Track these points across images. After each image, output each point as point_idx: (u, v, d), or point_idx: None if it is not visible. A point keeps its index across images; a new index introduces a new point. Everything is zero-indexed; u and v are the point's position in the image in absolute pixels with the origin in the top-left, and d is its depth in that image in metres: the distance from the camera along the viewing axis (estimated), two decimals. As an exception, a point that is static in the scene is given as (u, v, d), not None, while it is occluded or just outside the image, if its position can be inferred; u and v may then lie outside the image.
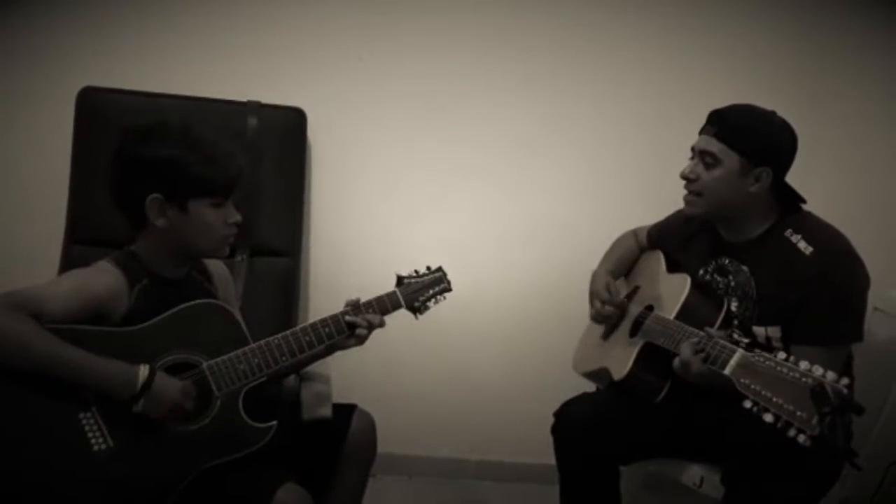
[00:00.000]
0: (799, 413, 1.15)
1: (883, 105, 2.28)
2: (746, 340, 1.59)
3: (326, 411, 1.62)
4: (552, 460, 1.80)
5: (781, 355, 1.25)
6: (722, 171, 1.57)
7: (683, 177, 1.64)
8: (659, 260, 1.85)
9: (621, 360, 1.68)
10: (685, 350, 1.46)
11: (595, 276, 1.90)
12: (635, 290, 1.87)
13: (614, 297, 1.80)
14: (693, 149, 1.64)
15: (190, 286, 1.50)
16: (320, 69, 2.22)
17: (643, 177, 2.31)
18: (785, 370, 1.21)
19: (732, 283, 1.64)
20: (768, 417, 1.19)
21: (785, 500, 1.51)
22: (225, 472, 1.38)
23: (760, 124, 1.58)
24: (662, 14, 2.26)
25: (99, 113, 2.01)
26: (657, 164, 2.24)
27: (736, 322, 1.63)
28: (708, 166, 1.59)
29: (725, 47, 2.27)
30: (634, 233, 1.98)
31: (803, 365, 1.20)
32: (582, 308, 1.92)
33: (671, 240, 1.84)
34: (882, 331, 1.84)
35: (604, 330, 1.87)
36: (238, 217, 1.45)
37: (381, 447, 1.68)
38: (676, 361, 1.48)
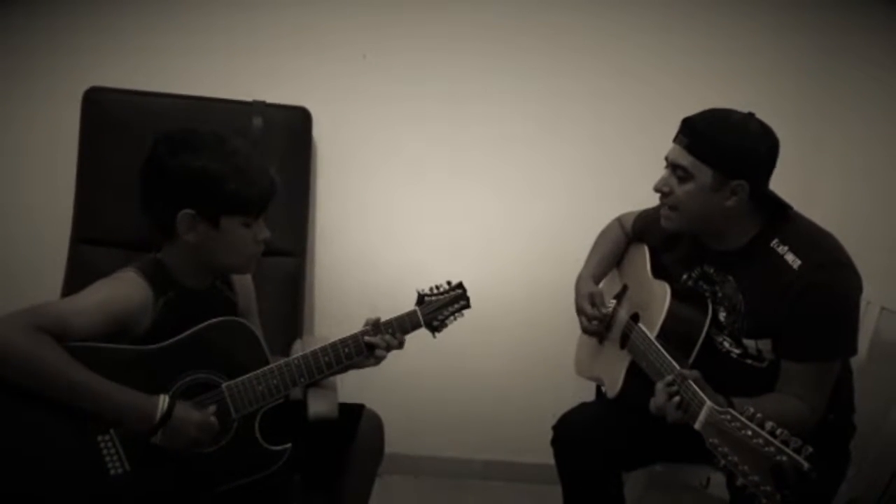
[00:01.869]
0: (763, 487, 1.12)
1: (883, 105, 2.27)
2: (738, 351, 1.58)
3: (333, 411, 1.62)
4: (558, 460, 1.80)
5: (750, 410, 1.19)
6: (694, 185, 1.49)
7: (657, 190, 1.57)
8: (644, 258, 1.78)
9: (613, 375, 1.66)
10: (659, 396, 1.38)
11: (579, 283, 1.85)
12: (624, 289, 1.83)
13: (599, 309, 1.76)
14: (666, 159, 1.56)
15: (214, 298, 1.48)
16: (325, 68, 2.22)
17: (649, 178, 2.29)
18: (749, 434, 1.16)
19: (720, 294, 1.59)
20: (739, 482, 1.17)
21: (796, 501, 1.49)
22: (237, 497, 1.38)
23: (734, 135, 1.47)
24: (662, 14, 2.24)
25: (105, 113, 2.01)
26: (661, 163, 2.25)
27: (726, 331, 1.58)
28: (681, 180, 1.51)
29: (725, 48, 2.26)
30: (620, 221, 1.93)
31: (768, 426, 1.15)
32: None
33: (654, 236, 1.78)
34: (890, 331, 1.83)
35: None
36: (267, 234, 1.43)
37: (388, 447, 1.68)
38: (652, 405, 1.40)
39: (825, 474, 1.54)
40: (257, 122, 2.07)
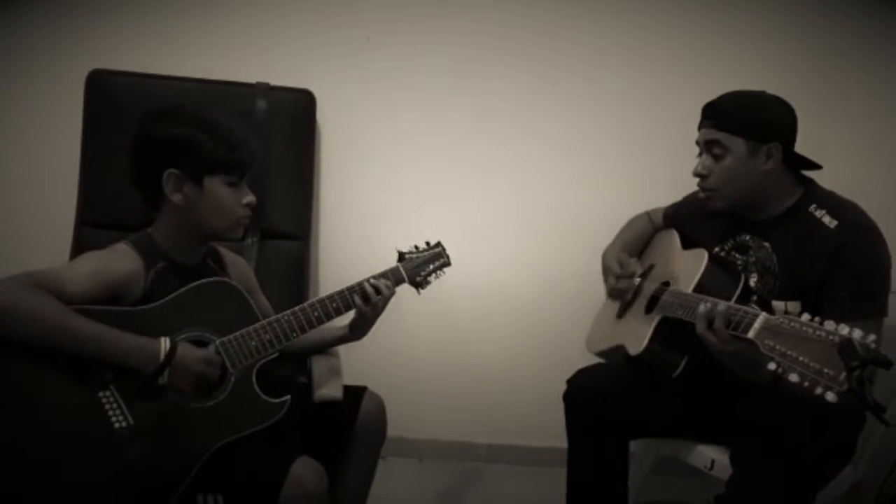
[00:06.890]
0: (826, 370, 1.14)
1: (887, 103, 2.28)
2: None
3: (337, 392, 1.63)
4: (561, 443, 1.81)
5: (806, 316, 1.23)
6: (732, 158, 1.57)
7: (697, 174, 1.63)
8: (673, 237, 1.84)
9: (638, 335, 1.67)
10: (708, 308, 1.43)
11: (606, 252, 1.90)
12: (650, 268, 1.85)
13: (626, 270, 1.80)
14: (697, 143, 1.64)
15: (204, 272, 1.50)
16: (329, 51, 2.21)
17: (649, 169, 2.30)
18: (810, 330, 1.19)
19: (752, 259, 1.64)
20: (794, 377, 1.18)
21: (792, 482, 1.50)
22: (241, 448, 1.40)
23: (754, 103, 1.59)
24: (669, 12, 2.25)
25: (108, 95, 2.01)
26: (664, 157, 2.26)
27: (755, 297, 1.61)
28: (717, 157, 1.59)
29: (732, 45, 2.26)
30: (648, 214, 1.97)
31: (828, 325, 1.18)
32: (591, 291, 1.92)
33: (689, 218, 1.84)
34: (893, 315, 1.83)
35: (618, 309, 1.86)
36: (252, 198, 1.48)
37: (392, 430, 1.69)
38: (701, 309, 1.44)
39: (829, 459, 1.57)
40: (261, 104, 2.07)
